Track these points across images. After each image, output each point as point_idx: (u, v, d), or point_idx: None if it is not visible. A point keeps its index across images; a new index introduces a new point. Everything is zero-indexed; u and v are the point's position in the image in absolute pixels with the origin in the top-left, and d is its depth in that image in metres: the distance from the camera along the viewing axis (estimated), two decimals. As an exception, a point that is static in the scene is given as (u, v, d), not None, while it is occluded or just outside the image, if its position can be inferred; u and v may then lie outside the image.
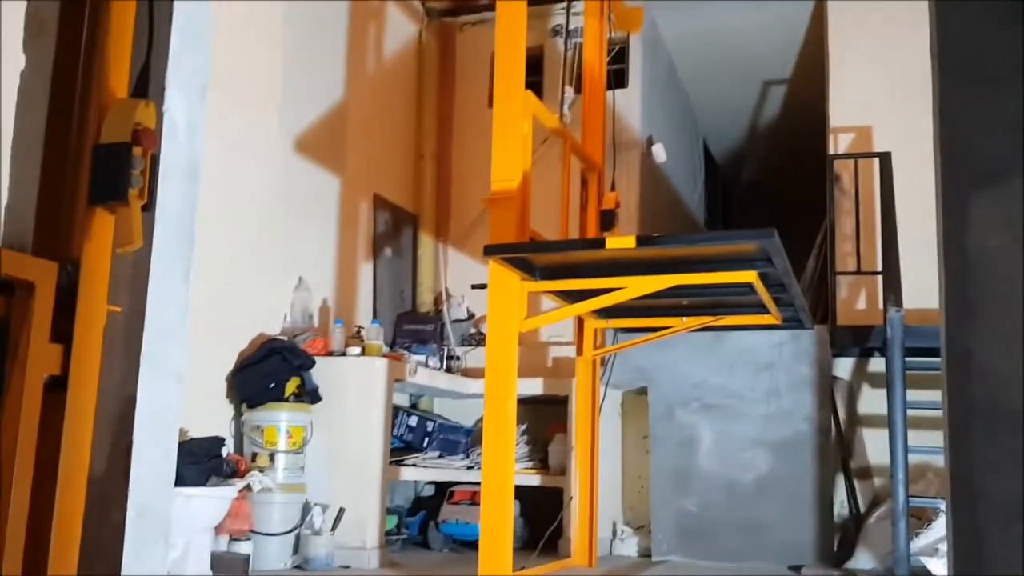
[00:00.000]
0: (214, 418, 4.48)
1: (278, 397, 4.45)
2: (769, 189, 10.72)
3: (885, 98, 5.91)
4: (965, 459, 1.57)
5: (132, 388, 1.93)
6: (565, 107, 5.09)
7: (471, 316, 6.37)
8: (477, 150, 5.95)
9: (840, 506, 5.42)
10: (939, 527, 4.25)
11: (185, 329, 2.14)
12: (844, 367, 5.67)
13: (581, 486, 5.00)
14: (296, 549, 4.45)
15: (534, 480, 5.60)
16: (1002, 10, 1.67)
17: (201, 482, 3.83)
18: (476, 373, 5.73)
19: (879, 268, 5.17)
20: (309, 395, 4.60)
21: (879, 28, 6.00)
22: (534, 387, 5.72)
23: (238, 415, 4.58)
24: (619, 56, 6.61)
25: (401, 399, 6.00)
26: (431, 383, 5.42)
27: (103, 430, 1.88)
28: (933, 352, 5.01)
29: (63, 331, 1.77)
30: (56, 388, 1.77)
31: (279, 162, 5.11)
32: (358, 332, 5.29)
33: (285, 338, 4.84)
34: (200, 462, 3.86)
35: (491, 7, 4.55)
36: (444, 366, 5.94)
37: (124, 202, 1.81)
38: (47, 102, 1.89)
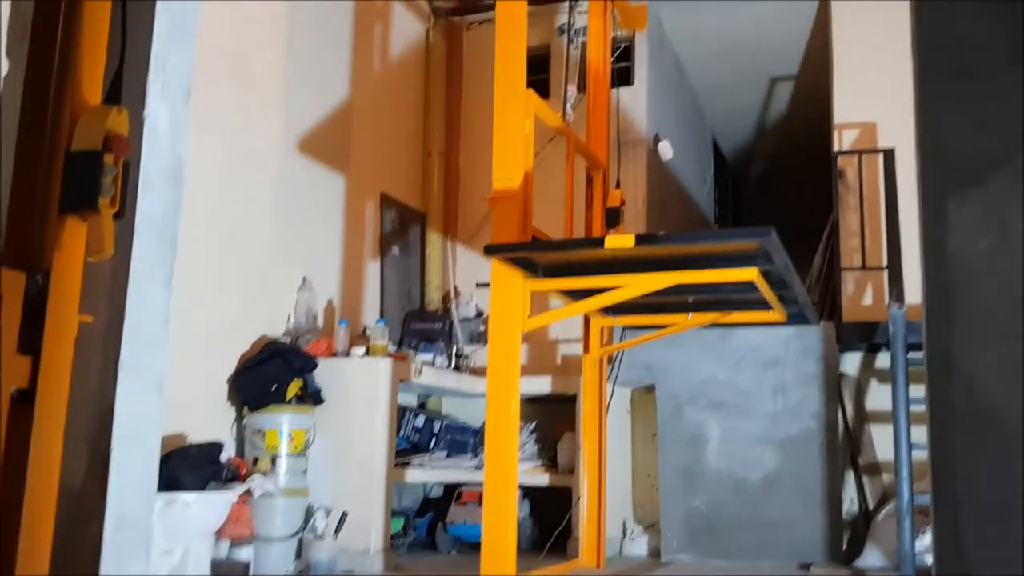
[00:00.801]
0: (215, 422, 4.47)
1: (280, 400, 4.44)
2: (778, 185, 10.68)
3: (889, 94, 5.85)
4: (947, 460, 1.54)
5: (110, 399, 1.92)
6: (568, 106, 5.07)
7: (480, 314, 6.35)
8: (485, 148, 5.92)
9: (849, 503, 5.39)
10: (947, 525, 4.20)
11: (167, 337, 2.13)
12: (851, 363, 5.63)
13: (589, 486, 4.98)
14: (299, 554, 4.44)
15: (543, 480, 5.58)
16: (983, 7, 1.64)
17: (200, 487, 3.82)
18: (485, 372, 5.69)
19: (884, 264, 5.13)
20: (312, 397, 4.59)
21: (884, 24, 5.95)
22: (543, 385, 5.70)
23: (240, 418, 4.57)
24: (625, 54, 6.59)
25: (409, 399, 5.99)
26: (438, 383, 5.41)
27: (79, 441, 1.87)
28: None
29: (31, 343, 1.76)
30: (24, 401, 1.75)
31: (283, 161, 5.10)
32: (364, 332, 5.28)
33: (288, 340, 4.84)
34: (198, 467, 3.85)
35: (498, 6, 4.52)
36: (453, 365, 5.93)
37: (95, 210, 1.80)
38: (18, 109, 1.88)
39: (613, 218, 5.08)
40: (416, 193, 6.53)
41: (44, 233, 1.80)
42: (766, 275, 3.82)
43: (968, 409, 1.54)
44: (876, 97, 5.91)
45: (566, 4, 6.50)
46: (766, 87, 8.29)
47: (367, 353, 4.86)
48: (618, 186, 5.27)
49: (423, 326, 5.99)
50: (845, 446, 5.34)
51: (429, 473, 5.36)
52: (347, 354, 4.87)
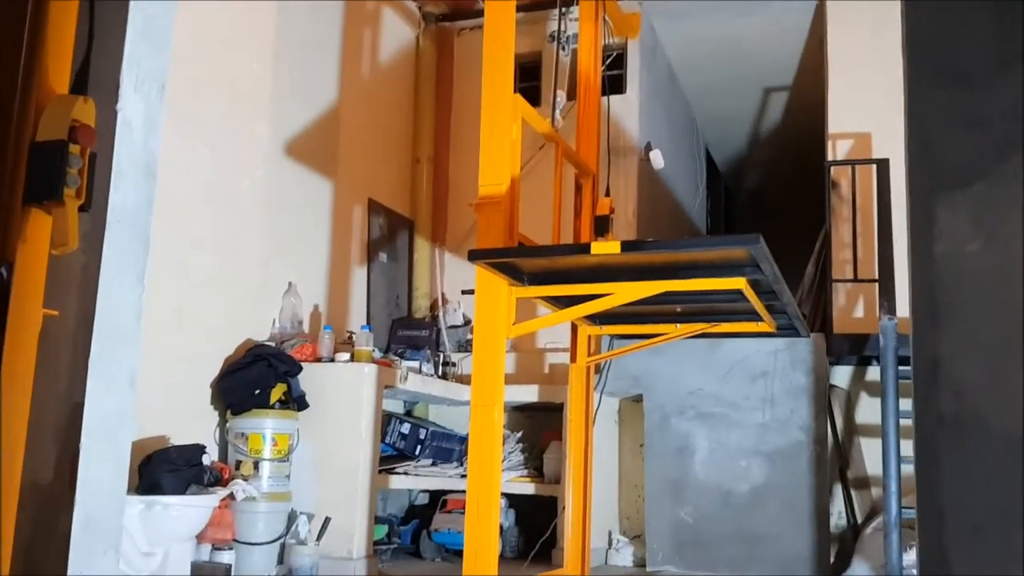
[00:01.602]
0: (199, 425, 4.43)
1: (263, 404, 4.39)
2: (772, 197, 10.66)
3: (884, 105, 5.83)
4: (933, 470, 1.50)
5: (79, 395, 1.87)
6: (557, 112, 5.03)
7: (467, 322, 6.31)
8: (474, 155, 5.86)
9: (837, 517, 5.35)
10: (934, 539, 4.16)
11: (139, 334, 2.08)
12: (841, 375, 5.60)
13: (574, 495, 4.92)
14: (281, 559, 4.39)
15: (529, 488, 5.53)
16: (973, 10, 1.60)
17: (180, 490, 3.77)
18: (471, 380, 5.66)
19: (876, 276, 5.10)
20: (296, 402, 4.54)
21: (879, 35, 5.93)
22: (530, 394, 5.67)
23: (223, 422, 4.52)
24: (617, 62, 6.56)
25: (395, 406, 5.94)
26: (423, 390, 5.36)
27: (47, 438, 1.83)
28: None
29: (-6, 337, 1.72)
30: (-14, 395, 1.71)
31: (270, 167, 5.06)
32: (350, 338, 5.23)
33: (273, 344, 4.79)
34: (179, 470, 3.80)
35: (489, 12, 4.49)
36: (439, 372, 5.89)
37: (60, 202, 1.75)
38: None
39: (602, 226, 5.04)
40: (404, 200, 6.50)
41: (8, 225, 1.76)
42: (754, 285, 3.77)
43: (955, 417, 1.50)
44: (871, 108, 5.89)
45: (557, 11, 6.50)
46: (760, 98, 8.27)
47: (352, 359, 4.82)
48: (608, 194, 5.23)
49: (410, 333, 5.95)
50: (834, 459, 5.30)
51: (414, 480, 5.31)
52: (332, 359, 4.83)
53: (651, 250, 3.60)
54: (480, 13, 6.72)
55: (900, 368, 4.16)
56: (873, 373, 5.53)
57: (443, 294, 6.48)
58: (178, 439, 4.17)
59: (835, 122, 6.00)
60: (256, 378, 4.40)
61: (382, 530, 5.20)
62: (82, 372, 1.89)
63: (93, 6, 1.92)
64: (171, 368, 4.28)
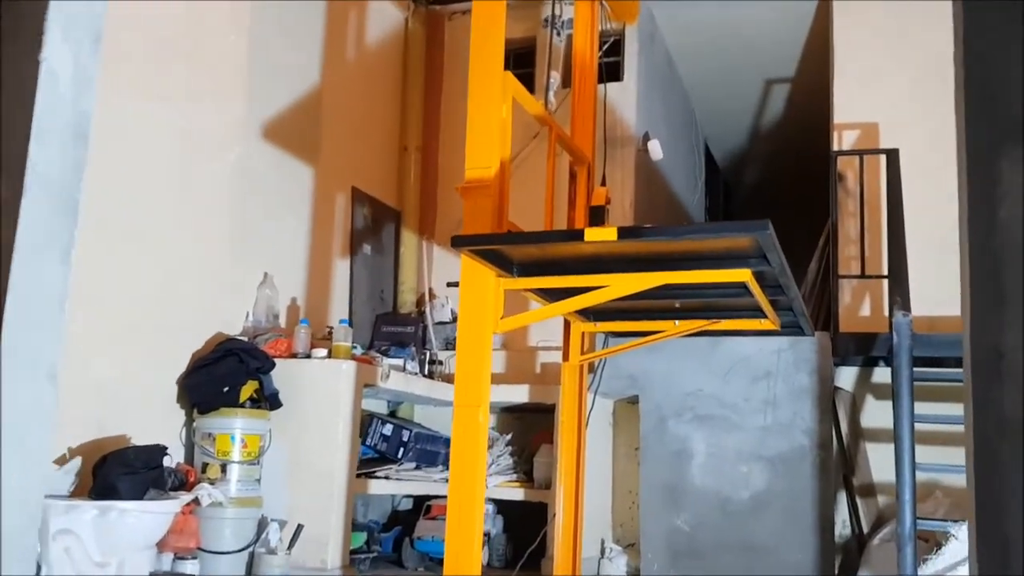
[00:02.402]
0: (163, 425, 4.14)
1: (232, 402, 4.10)
2: (773, 192, 10.40)
3: (893, 93, 5.58)
4: (994, 487, 1.23)
5: (-18, 388, 1.59)
6: (550, 93, 4.76)
7: (456, 318, 6.01)
8: (465, 144, 5.66)
9: (842, 526, 5.09)
10: (950, 553, 3.90)
11: (62, 320, 1.80)
12: (847, 377, 5.33)
13: (565, 501, 4.64)
14: (249, 569, 4.09)
15: (518, 494, 5.26)
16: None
17: (137, 495, 3.48)
18: (458, 379, 5.39)
19: (884, 272, 4.85)
20: (268, 400, 4.26)
21: (887, 21, 5.68)
22: (520, 394, 5.40)
23: (190, 422, 4.24)
24: (614, 48, 6.31)
25: (378, 406, 5.66)
26: (407, 389, 5.08)
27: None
28: (944, 362, 4.69)
29: None
30: None
31: (244, 149, 4.78)
32: (330, 333, 4.95)
33: (245, 338, 4.51)
34: (136, 472, 3.51)
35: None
36: (425, 371, 5.61)
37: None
38: None
39: (597, 217, 4.76)
40: (391, 189, 6.22)
41: None
42: (759, 277, 3.51)
43: (1020, 415, 1.22)
44: (878, 97, 5.63)
45: (553, -6, 6.25)
46: (761, 89, 8.00)
47: (330, 355, 4.53)
48: (603, 184, 4.96)
49: (394, 329, 5.69)
50: (839, 465, 5.02)
51: (395, 485, 5.02)
52: (308, 355, 4.53)
53: (650, 237, 3.32)
54: (473, -3, 6.48)
55: (914, 369, 3.89)
56: (880, 375, 5.27)
57: (430, 288, 6.20)
58: (140, 439, 3.90)
59: (841, 112, 5.73)
60: (225, 375, 4.12)
61: (360, 538, 4.91)
62: (-12, 362, 1.61)
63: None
64: (133, 363, 4.00)
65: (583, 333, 4.79)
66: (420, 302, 6.14)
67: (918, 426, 3.87)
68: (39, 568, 3.32)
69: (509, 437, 5.57)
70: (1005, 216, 1.24)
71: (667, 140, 6.89)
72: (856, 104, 5.66)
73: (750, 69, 7.58)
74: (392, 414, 5.78)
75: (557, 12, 6.05)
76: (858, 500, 5.04)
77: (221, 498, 3.94)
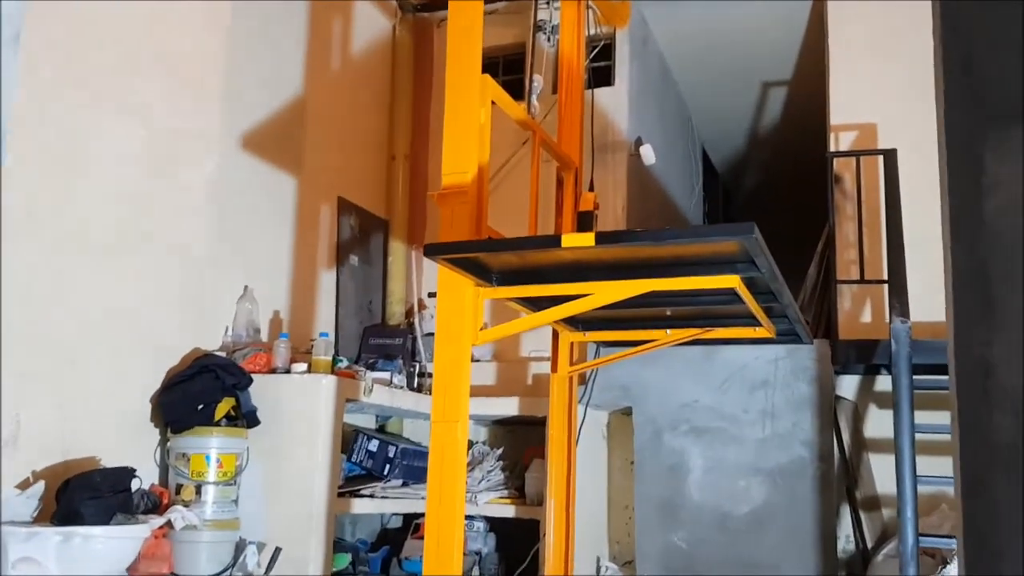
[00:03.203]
0: (136, 445, 3.98)
1: (208, 420, 3.95)
2: (773, 196, 10.24)
3: (890, 94, 5.42)
4: (983, 512, 1.08)
5: None
6: (533, 97, 4.61)
7: (445, 330, 5.87)
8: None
9: (845, 541, 4.92)
10: (957, 569, 3.73)
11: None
12: (848, 385, 5.17)
13: (556, 518, 4.48)
14: (225, 593, 3.95)
15: (509, 511, 5.09)
16: None
17: (103, 520, 3.33)
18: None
19: (885, 276, 4.69)
20: (246, 418, 4.10)
21: (883, 19, 5.52)
22: (510, 407, 5.24)
23: (164, 441, 4.08)
24: (605, 53, 6.16)
25: (366, 420, 5.51)
26: (392, 403, 4.92)
27: None
28: (945, 369, 4.52)
29: None
30: None
31: (223, 158, 4.63)
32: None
33: (224, 354, 4.36)
34: (102, 496, 3.35)
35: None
36: (414, 384, 5.45)
37: None
38: None
39: (585, 223, 4.60)
40: (379, 198, 6.07)
41: None
42: (750, 283, 3.35)
43: (1012, 444, 1.07)
44: (875, 97, 5.47)
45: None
46: (758, 92, 7.85)
47: (309, 369, 4.38)
48: (591, 189, 4.80)
49: (382, 341, 5.54)
50: (841, 478, 4.86)
51: (381, 503, 4.86)
52: (288, 370, 4.38)
53: (630, 243, 3.16)
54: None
55: (915, 378, 3.73)
56: (883, 383, 5.10)
57: (420, 299, 6.05)
58: (111, 460, 3.75)
59: (837, 113, 5.57)
60: (199, 392, 3.96)
61: (344, 559, 4.75)
62: None
63: None
64: (103, 381, 3.85)
65: (572, 343, 4.63)
66: (409, 313, 5.99)
67: (922, 436, 3.71)
68: (-1, 597, 3.17)
69: (500, 451, 5.42)
70: (991, 210, 1.09)
71: (662, 145, 6.75)
72: (853, 105, 5.51)
73: (746, 72, 7.43)
74: (380, 428, 5.63)
75: (546, 17, 5.91)
76: (861, 514, 4.88)
77: (196, 521, 3.78)
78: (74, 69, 3.78)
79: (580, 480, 4.61)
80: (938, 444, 4.42)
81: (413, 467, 5.02)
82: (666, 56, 7.17)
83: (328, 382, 4.27)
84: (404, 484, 5.00)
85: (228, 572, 3.94)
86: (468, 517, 5.06)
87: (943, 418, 4.41)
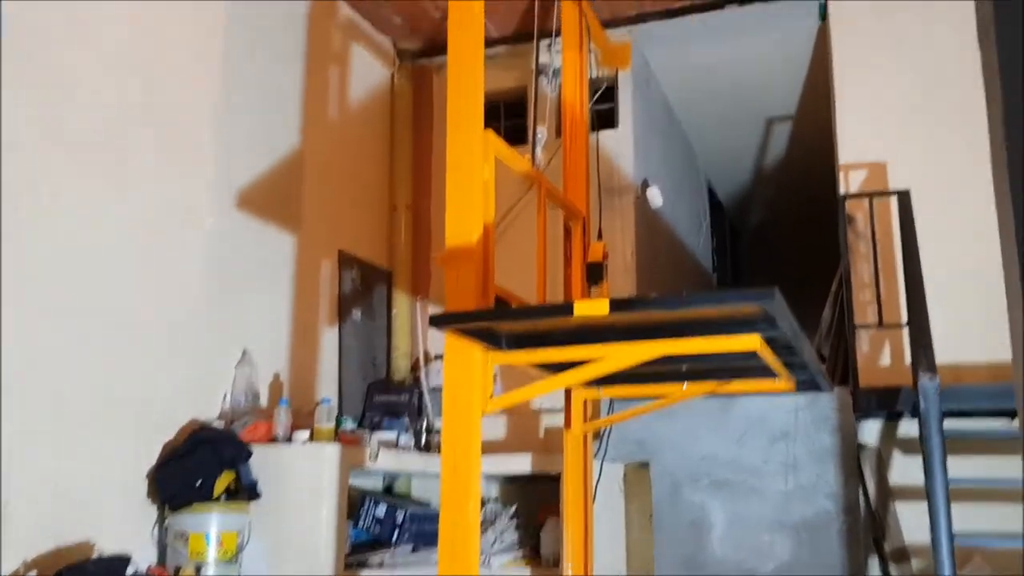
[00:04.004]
0: (132, 525, 3.81)
1: (206, 496, 3.77)
2: (780, 232, 10.11)
3: (900, 131, 5.28)
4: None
5: None
6: (538, 149, 4.48)
7: (454, 384, 5.70)
8: (455, 200, 5.40)
9: (874, 596, 4.73)
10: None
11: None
12: (870, 431, 4.98)
13: (573, 581, 4.31)
14: None
15: (524, 573, 4.91)
16: None
17: (98, 612, 3.17)
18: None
19: (903, 319, 4.53)
20: (246, 491, 3.93)
21: (888, 56, 5.39)
22: (522, 464, 5.05)
23: (162, 518, 3.91)
24: (608, 95, 6.04)
25: (374, 482, 5.34)
26: (399, 466, 4.76)
27: None
28: (970, 414, 4.37)
29: None
30: None
31: (218, 218, 4.49)
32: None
33: (222, 423, 4.20)
34: (96, 587, 3.20)
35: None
36: (422, 442, 5.28)
37: None
38: None
39: (595, 274, 4.46)
40: (381, 250, 5.92)
41: None
42: (770, 341, 3.19)
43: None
44: (884, 135, 5.32)
45: (543, 43, 5.99)
46: (762, 128, 7.73)
47: (312, 438, 4.21)
48: (600, 238, 4.66)
49: (387, 399, 5.37)
50: (867, 529, 4.68)
51: (390, 573, 4.67)
52: (289, 439, 4.21)
53: (646, 309, 3.01)
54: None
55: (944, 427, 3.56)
56: (906, 427, 4.92)
57: (426, 352, 5.89)
58: (107, 542, 3.59)
59: (846, 152, 5.40)
60: (196, 467, 3.79)
61: (354, 633, 4.56)
62: None
63: None
64: (97, 458, 3.69)
65: (585, 400, 4.47)
66: (415, 368, 5.83)
67: (952, 486, 3.54)
68: None
69: (513, 509, 5.24)
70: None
71: (668, 184, 6.62)
72: (861, 143, 5.36)
73: (750, 108, 7.32)
74: (388, 489, 5.45)
75: (546, 61, 5.79)
76: (890, 566, 4.69)
77: (196, 605, 3.62)
78: (68, 136, 3.67)
79: (597, 535, 4.44)
80: (965, 491, 4.24)
81: (423, 531, 4.84)
82: (669, 96, 7.05)
83: (331, 452, 4.10)
84: (414, 550, 4.82)
85: (233, 655, 3.76)
86: (482, 581, 4.88)
87: (970, 465, 4.25)
